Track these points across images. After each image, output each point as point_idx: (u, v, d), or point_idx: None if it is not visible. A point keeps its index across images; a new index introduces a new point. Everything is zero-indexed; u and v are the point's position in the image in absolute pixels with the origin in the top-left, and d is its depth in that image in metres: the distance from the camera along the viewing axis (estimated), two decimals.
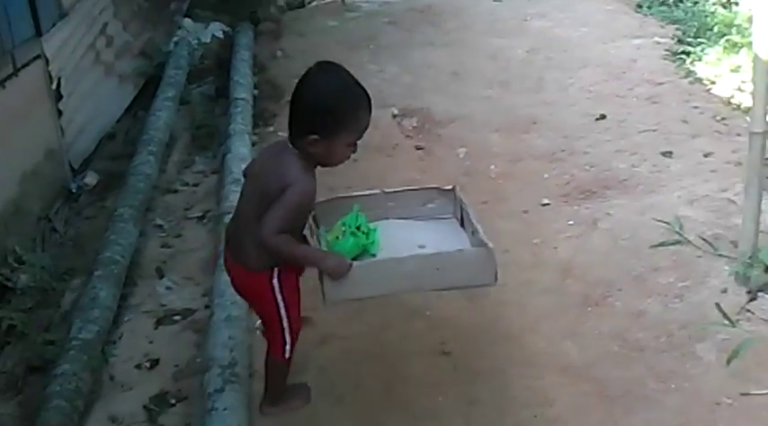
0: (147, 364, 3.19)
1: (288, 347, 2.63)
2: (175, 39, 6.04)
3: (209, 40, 6.15)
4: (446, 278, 2.51)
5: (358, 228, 2.61)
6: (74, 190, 4.51)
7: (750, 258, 3.14)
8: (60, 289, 3.65)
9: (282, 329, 2.59)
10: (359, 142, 2.48)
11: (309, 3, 7.27)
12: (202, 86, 5.70)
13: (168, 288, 3.69)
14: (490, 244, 2.51)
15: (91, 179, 4.64)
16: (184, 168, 4.78)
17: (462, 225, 2.83)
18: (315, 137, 2.38)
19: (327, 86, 2.43)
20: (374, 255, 2.60)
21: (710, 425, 2.61)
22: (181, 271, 3.77)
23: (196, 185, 4.58)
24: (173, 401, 2.99)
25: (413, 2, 7.07)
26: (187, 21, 6.33)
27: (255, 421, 2.76)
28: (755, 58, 2.95)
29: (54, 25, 4.52)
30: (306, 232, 2.59)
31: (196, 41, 6.09)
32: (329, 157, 2.48)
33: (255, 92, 5.37)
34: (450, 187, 2.91)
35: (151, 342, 3.30)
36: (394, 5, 7.04)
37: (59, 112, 4.51)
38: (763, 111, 2.98)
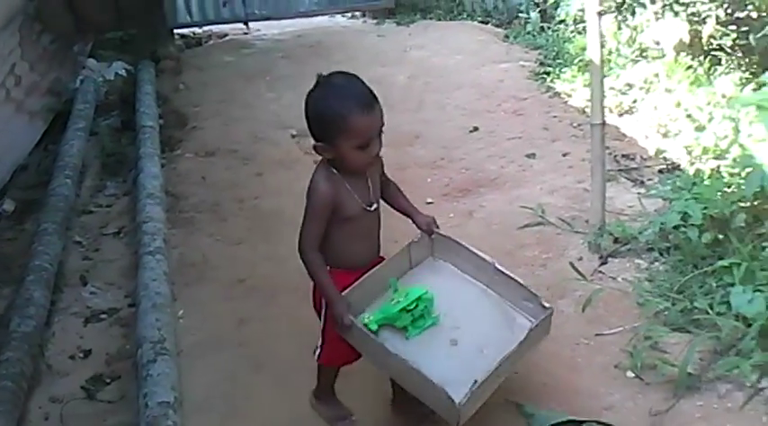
0: (81, 354, 3.51)
1: (318, 350, 2.72)
2: (81, 77, 6.35)
3: (113, 78, 6.49)
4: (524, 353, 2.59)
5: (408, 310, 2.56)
6: None
7: (599, 229, 3.75)
8: None
9: (321, 330, 2.68)
10: (374, 142, 2.45)
11: (206, 42, 7.71)
12: (109, 119, 6.04)
13: (92, 292, 4.01)
14: (546, 304, 2.66)
15: (8, 206, 4.90)
16: (97, 192, 5.08)
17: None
18: (321, 144, 2.46)
19: (317, 96, 2.45)
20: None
21: (572, 360, 3.16)
22: (103, 278, 4.09)
23: (109, 206, 4.90)
24: (108, 380, 3.33)
25: (304, 39, 7.60)
26: (91, 61, 6.66)
27: (186, 387, 3.12)
28: (591, 64, 3.59)
29: None
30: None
31: (101, 79, 6.42)
32: (345, 162, 2.47)
33: (161, 121, 5.74)
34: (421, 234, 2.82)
35: (82, 337, 3.62)
36: (286, 42, 7.55)
37: None
38: (599, 107, 3.61)
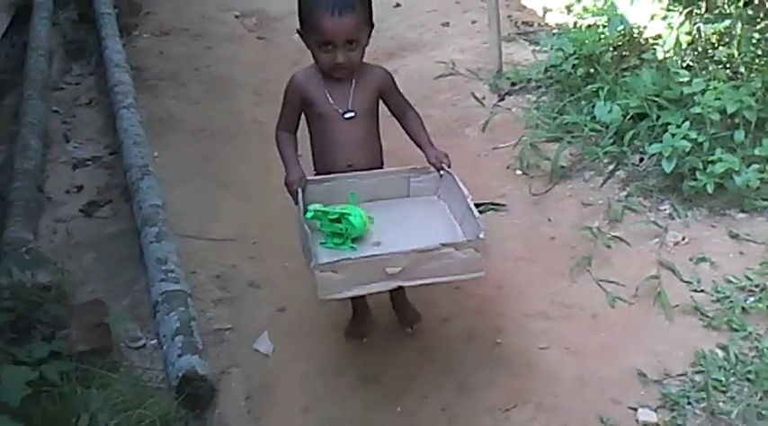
0: (75, 189, 4.20)
1: None
2: None
3: None
4: (438, 271, 2.35)
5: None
6: None
7: (498, 73, 4.58)
8: None
9: None
10: (339, 49, 2.49)
11: None
12: (66, 12, 6.58)
13: (75, 147, 4.69)
14: (482, 235, 2.37)
15: None
16: (65, 73, 5.68)
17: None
18: (298, 29, 2.58)
19: None
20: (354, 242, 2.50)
21: (474, 167, 4.02)
22: (83, 136, 4.75)
23: (78, 84, 5.51)
24: (101, 204, 4.07)
25: None
26: None
27: (167, 201, 3.87)
28: None
29: None
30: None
31: None
32: (316, 59, 2.57)
33: (116, 10, 6.32)
34: (428, 166, 2.77)
35: (73, 178, 4.32)
36: None
37: None
38: None
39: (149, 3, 6.44)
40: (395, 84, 2.78)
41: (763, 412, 2.47)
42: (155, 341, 3.07)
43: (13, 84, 5.36)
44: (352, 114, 2.65)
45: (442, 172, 2.73)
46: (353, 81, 2.64)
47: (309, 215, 2.48)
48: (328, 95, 2.63)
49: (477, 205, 3.55)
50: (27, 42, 5.83)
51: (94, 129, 4.83)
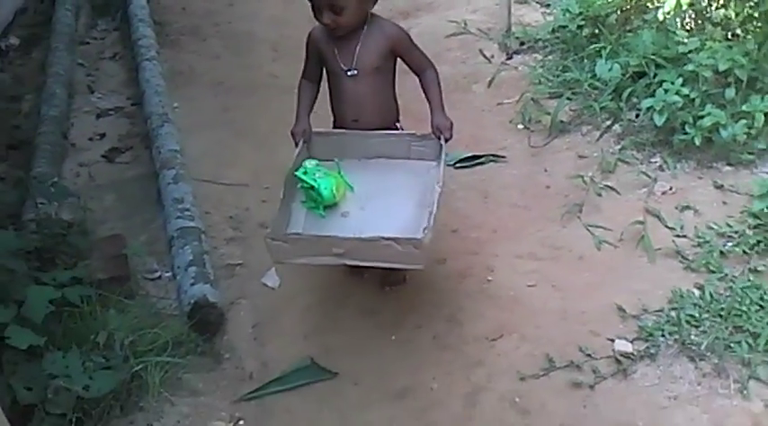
0: (97, 136, 4.42)
1: None
2: None
3: None
4: (378, 258, 2.53)
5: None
6: (2, 48, 5.59)
7: (506, 32, 4.73)
8: (11, 108, 4.81)
9: None
10: (324, 11, 2.68)
11: None
12: None
13: (99, 98, 4.90)
14: (422, 236, 2.48)
15: (14, 41, 5.72)
16: (90, 28, 5.88)
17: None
18: None
19: None
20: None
21: (478, 122, 4.20)
22: (106, 87, 4.97)
23: (103, 38, 5.72)
24: (122, 150, 4.29)
25: None
26: None
27: (185, 148, 4.07)
28: None
29: None
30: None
31: None
32: None
33: None
34: (430, 133, 2.85)
35: (96, 126, 4.53)
36: None
37: None
38: None
39: None
40: (411, 42, 2.88)
41: (731, 344, 2.64)
42: (169, 273, 3.29)
43: (41, 38, 5.58)
44: (355, 72, 2.80)
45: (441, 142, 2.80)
46: (360, 39, 2.77)
47: (299, 172, 2.72)
48: (336, 52, 2.79)
49: (477, 156, 3.81)
50: None
51: (117, 82, 5.04)
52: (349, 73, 2.80)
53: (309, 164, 2.77)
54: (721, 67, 3.54)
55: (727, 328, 2.70)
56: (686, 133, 3.51)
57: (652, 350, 2.68)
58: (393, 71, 2.92)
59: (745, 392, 2.51)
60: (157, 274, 3.31)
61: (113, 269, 3.12)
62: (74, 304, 2.76)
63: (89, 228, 3.50)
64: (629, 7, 4.44)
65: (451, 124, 2.83)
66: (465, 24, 5.10)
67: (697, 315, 2.77)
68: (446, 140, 2.80)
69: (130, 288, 3.11)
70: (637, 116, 3.84)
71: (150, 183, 3.86)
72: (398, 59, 2.92)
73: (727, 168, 3.50)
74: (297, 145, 2.84)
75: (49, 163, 3.92)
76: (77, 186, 3.93)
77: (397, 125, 3.02)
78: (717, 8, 3.98)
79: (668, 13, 4.06)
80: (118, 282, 3.07)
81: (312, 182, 2.69)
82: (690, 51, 3.71)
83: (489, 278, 3.11)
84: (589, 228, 3.29)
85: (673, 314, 2.80)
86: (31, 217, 3.33)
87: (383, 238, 2.47)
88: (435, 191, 2.63)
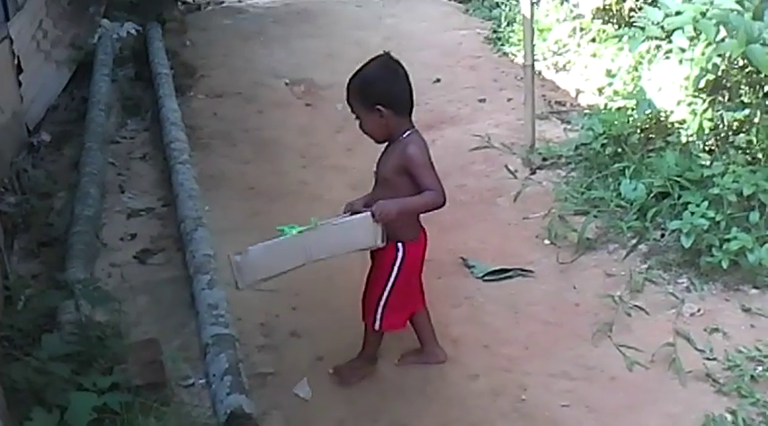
0: (129, 237, 4.50)
1: (379, 320, 3.14)
2: (98, 34, 7.31)
3: (125, 35, 7.43)
4: (334, 246, 2.81)
5: None
6: (34, 144, 5.72)
7: (530, 148, 4.87)
8: (43, 205, 4.90)
9: (385, 298, 3.11)
10: None
11: (205, 7, 8.72)
12: (125, 70, 6.99)
13: (130, 197, 5.00)
14: (367, 213, 2.78)
15: (45, 137, 5.85)
16: (121, 127, 6.04)
17: None
18: None
19: None
20: None
21: (504, 235, 4.30)
22: (137, 188, 5.08)
23: (133, 138, 5.87)
24: (154, 252, 4.36)
25: (291, 6, 8.61)
26: (105, 20, 7.57)
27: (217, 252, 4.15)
28: (523, 18, 4.72)
29: (15, 14, 5.77)
30: None
31: (115, 36, 7.38)
32: None
33: (172, 71, 6.72)
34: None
35: (127, 226, 4.62)
36: (277, 9, 8.55)
37: (20, 83, 5.73)
38: (530, 51, 4.74)
39: (204, 67, 6.85)
40: (420, 165, 2.98)
41: None
42: (203, 380, 3.31)
43: (72, 135, 5.74)
44: (376, 176, 3.09)
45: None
46: (387, 150, 3.05)
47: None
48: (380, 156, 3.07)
49: (506, 270, 3.88)
50: (86, 96, 6.24)
51: (148, 182, 5.15)
52: (375, 170, 3.08)
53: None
54: (746, 192, 3.67)
55: None
56: (713, 255, 3.60)
57: None
58: (408, 188, 2.99)
59: None
60: (191, 381, 3.33)
61: (150, 375, 3.15)
62: (114, 411, 2.79)
63: (123, 331, 3.55)
64: (649, 127, 4.59)
65: (385, 210, 2.88)
66: (488, 138, 5.25)
67: None
68: (372, 215, 2.88)
69: (166, 395, 3.14)
70: (662, 236, 3.94)
71: (183, 286, 3.92)
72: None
73: (754, 291, 3.58)
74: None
75: (82, 263, 3.98)
76: (109, 287, 3.96)
77: (399, 245, 3.06)
78: (739, 133, 4.12)
79: (691, 136, 4.20)
80: (154, 389, 3.08)
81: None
82: (714, 175, 3.83)
83: (523, 397, 3.14)
84: (620, 348, 3.34)
85: None
86: (69, 319, 3.38)
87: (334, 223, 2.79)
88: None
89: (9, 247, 4.27)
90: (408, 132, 3.03)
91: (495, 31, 7.49)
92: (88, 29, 7.47)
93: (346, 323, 3.59)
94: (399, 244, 3.05)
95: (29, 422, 2.62)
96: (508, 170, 4.84)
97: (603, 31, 6.35)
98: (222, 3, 9.00)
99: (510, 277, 3.91)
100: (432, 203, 2.98)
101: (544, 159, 4.89)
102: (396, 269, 3.06)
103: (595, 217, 4.17)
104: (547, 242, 4.17)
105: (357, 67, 3.03)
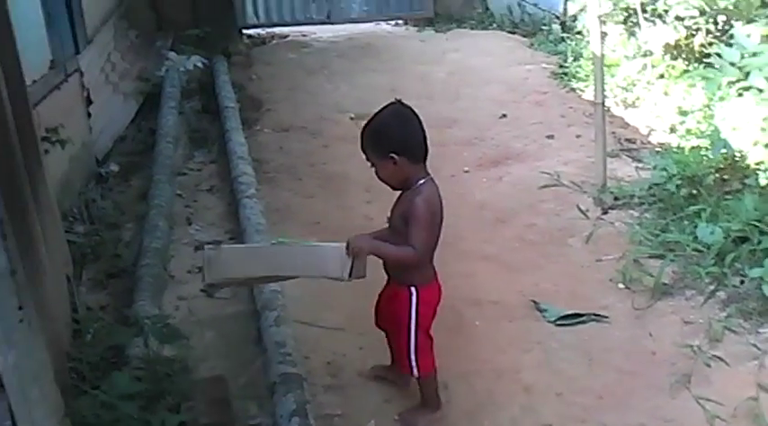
0: (196, 269, 4.50)
1: (415, 368, 3.14)
2: (165, 67, 7.44)
3: (191, 68, 7.54)
4: (302, 267, 2.88)
5: None
6: (103, 175, 5.80)
7: (602, 187, 4.78)
8: (111, 236, 4.94)
9: (413, 346, 3.11)
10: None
11: (270, 41, 8.83)
12: (191, 103, 7.10)
13: (197, 230, 5.03)
14: (344, 244, 2.83)
15: (114, 167, 5.93)
16: (188, 159, 6.13)
17: None
18: None
19: None
20: None
21: (577, 277, 4.19)
22: (204, 220, 5.10)
23: (200, 170, 5.93)
24: (222, 286, 4.35)
25: (355, 41, 8.69)
26: (172, 53, 7.72)
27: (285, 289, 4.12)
28: (594, 56, 4.65)
29: (85, 47, 5.89)
30: None
31: (182, 69, 7.49)
32: None
33: (238, 104, 6.79)
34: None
35: (194, 259, 4.62)
36: (340, 43, 8.64)
37: (89, 114, 5.83)
38: (601, 89, 4.66)
39: (270, 100, 6.91)
40: (414, 220, 2.94)
41: None
42: (269, 420, 3.27)
43: (140, 166, 5.81)
44: (388, 221, 3.12)
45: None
46: (400, 197, 3.06)
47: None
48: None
49: (579, 315, 3.77)
50: (153, 128, 6.33)
51: (215, 215, 5.17)
52: (388, 221, 3.11)
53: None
54: None
55: None
56: None
57: None
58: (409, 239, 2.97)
59: None
60: (258, 421, 3.29)
61: (217, 413, 3.12)
62: None
63: (191, 366, 3.53)
64: (725, 167, 4.47)
65: (358, 245, 2.91)
66: (558, 176, 5.17)
67: None
68: (347, 247, 2.89)
69: None
70: (742, 282, 3.81)
71: (250, 322, 3.89)
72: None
73: None
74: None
75: (151, 296, 3.99)
76: (176, 321, 3.96)
77: (411, 289, 3.05)
78: None
79: None
80: None
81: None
82: None
83: None
84: (699, 401, 3.21)
85: None
86: (136, 353, 3.37)
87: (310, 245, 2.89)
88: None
89: (78, 277, 4.30)
90: (422, 181, 2.99)
91: (561, 66, 7.43)
92: (155, 62, 7.62)
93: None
94: (412, 288, 3.05)
95: None
96: (579, 209, 4.74)
97: (673, 67, 6.26)
98: (287, 37, 9.13)
99: (583, 322, 3.80)
100: (404, 259, 2.98)
101: (616, 198, 4.78)
102: (413, 310, 3.05)
103: (672, 261, 4.05)
104: (621, 286, 4.05)
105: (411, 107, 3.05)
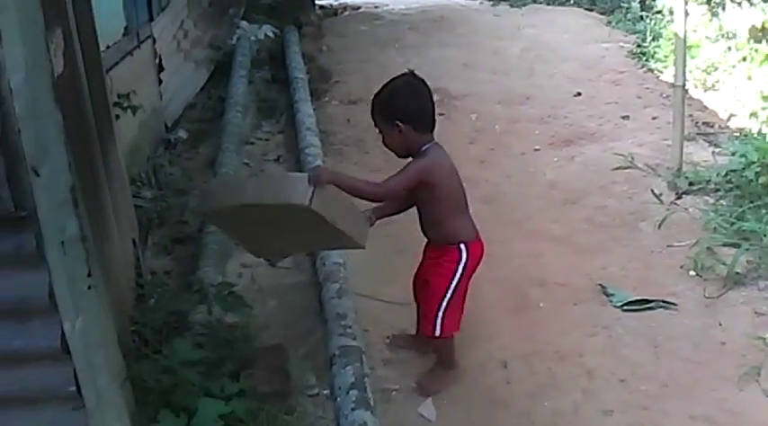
0: None
1: (439, 328, 3.18)
2: (237, 35, 7.45)
3: (262, 38, 7.55)
4: (272, 194, 2.90)
5: None
6: (171, 141, 5.84)
7: (677, 171, 4.63)
8: (178, 202, 4.97)
9: (440, 306, 3.17)
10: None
11: (342, 12, 8.78)
12: (261, 72, 7.10)
13: None
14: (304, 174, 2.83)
15: (182, 134, 5.97)
16: (255, 129, 6.14)
17: None
18: None
19: None
20: None
21: (647, 263, 4.07)
22: None
23: (267, 140, 5.94)
24: (285, 255, 4.36)
25: (428, 13, 8.58)
26: (243, 22, 7.74)
27: (347, 260, 4.10)
28: (676, 37, 4.48)
29: (159, 14, 5.92)
30: None
31: (253, 38, 7.49)
32: None
33: (307, 75, 6.77)
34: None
35: None
36: (413, 16, 8.55)
37: (160, 81, 5.87)
38: (682, 71, 4.50)
39: (339, 72, 6.88)
40: (408, 164, 3.06)
41: None
42: (327, 391, 3.25)
43: (208, 134, 5.83)
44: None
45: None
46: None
47: None
48: None
49: (647, 301, 3.67)
50: (222, 96, 6.35)
51: None
52: None
53: None
54: None
55: None
56: None
57: None
58: (426, 199, 3.12)
59: None
60: (316, 391, 3.28)
61: (275, 382, 3.12)
62: (241, 419, 2.76)
63: (252, 333, 3.54)
64: None
65: (319, 173, 2.84)
66: (632, 158, 5.03)
67: None
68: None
69: (291, 404, 3.10)
70: None
71: (311, 292, 3.89)
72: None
73: None
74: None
75: (215, 262, 4.01)
76: (238, 288, 3.97)
77: (461, 246, 3.12)
78: None
79: None
80: (279, 397, 3.06)
81: None
82: None
83: None
84: None
85: None
86: (199, 319, 3.38)
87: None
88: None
89: (143, 242, 4.34)
90: (427, 146, 3.06)
91: (639, 46, 7.24)
92: (227, 30, 7.64)
93: (473, 342, 3.53)
94: (462, 245, 3.11)
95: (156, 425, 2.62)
96: (653, 193, 4.60)
97: (756, 51, 6.02)
98: (359, 9, 9.06)
99: (651, 308, 3.68)
100: (362, 189, 3.04)
101: (691, 184, 4.63)
102: (460, 270, 3.11)
103: (746, 250, 3.90)
104: (692, 273, 3.92)
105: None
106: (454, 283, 3.13)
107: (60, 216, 1.80)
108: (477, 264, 3.19)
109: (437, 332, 3.20)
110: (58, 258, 1.77)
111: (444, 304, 3.15)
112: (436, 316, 3.17)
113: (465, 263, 3.11)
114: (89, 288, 1.91)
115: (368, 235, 3.19)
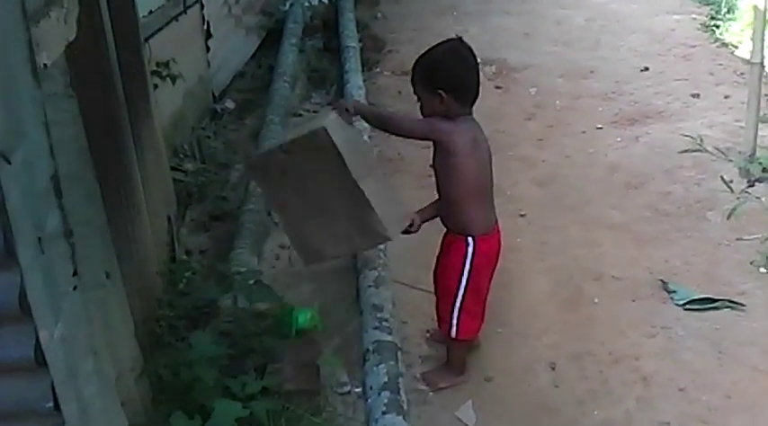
0: None
1: (455, 328, 3.01)
2: (289, 1, 7.21)
3: (316, 4, 7.30)
4: (304, 128, 3.03)
5: None
6: (218, 111, 5.66)
7: (750, 156, 4.27)
8: (220, 176, 4.80)
9: (455, 307, 2.99)
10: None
11: None
12: (313, 40, 6.86)
13: None
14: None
15: (230, 104, 5.80)
16: (304, 100, 5.92)
17: None
18: None
19: None
20: None
21: (714, 257, 3.76)
22: None
23: (315, 112, 5.71)
24: None
25: None
26: None
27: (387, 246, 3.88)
28: (755, 9, 4.11)
29: None
30: None
31: (307, 4, 7.25)
32: None
33: (360, 44, 6.51)
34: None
35: None
36: None
37: (208, 48, 5.68)
38: (760, 48, 4.13)
39: (393, 41, 6.61)
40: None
41: None
42: (359, 389, 3.04)
43: (256, 104, 5.63)
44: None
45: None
46: None
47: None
48: None
49: (712, 300, 3.37)
50: (273, 65, 6.13)
51: None
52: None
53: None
54: None
55: None
56: None
57: None
58: (445, 172, 2.94)
59: None
60: (347, 388, 3.08)
61: (304, 380, 2.94)
62: (260, 422, 2.57)
63: None
64: None
65: (342, 103, 3.04)
66: (701, 140, 4.67)
67: None
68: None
69: (319, 403, 2.90)
70: None
71: (349, 279, 3.68)
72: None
73: None
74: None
75: (251, 243, 3.84)
76: (275, 270, 3.83)
77: (468, 239, 2.91)
78: None
79: None
80: (307, 396, 2.88)
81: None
82: None
83: None
84: None
85: None
86: (228, 305, 3.19)
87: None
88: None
89: (181, 218, 4.19)
90: (462, 118, 2.84)
91: (712, 18, 6.79)
92: None
93: (519, 340, 3.33)
94: (470, 239, 2.89)
95: None
96: (722, 180, 4.24)
97: None
98: None
99: (716, 308, 3.39)
100: (385, 118, 3.11)
101: (765, 170, 4.27)
102: (467, 265, 2.90)
103: None
104: (763, 270, 3.60)
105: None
106: (464, 280, 2.93)
107: (37, 209, 1.58)
108: (492, 262, 3.00)
109: (453, 333, 3.03)
110: (34, 257, 1.55)
111: (458, 303, 2.97)
112: (451, 316, 2.99)
113: (471, 259, 2.90)
114: (74, 288, 1.70)
115: (399, 230, 3.07)
